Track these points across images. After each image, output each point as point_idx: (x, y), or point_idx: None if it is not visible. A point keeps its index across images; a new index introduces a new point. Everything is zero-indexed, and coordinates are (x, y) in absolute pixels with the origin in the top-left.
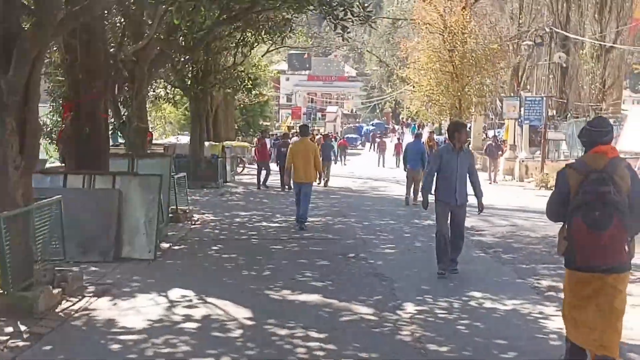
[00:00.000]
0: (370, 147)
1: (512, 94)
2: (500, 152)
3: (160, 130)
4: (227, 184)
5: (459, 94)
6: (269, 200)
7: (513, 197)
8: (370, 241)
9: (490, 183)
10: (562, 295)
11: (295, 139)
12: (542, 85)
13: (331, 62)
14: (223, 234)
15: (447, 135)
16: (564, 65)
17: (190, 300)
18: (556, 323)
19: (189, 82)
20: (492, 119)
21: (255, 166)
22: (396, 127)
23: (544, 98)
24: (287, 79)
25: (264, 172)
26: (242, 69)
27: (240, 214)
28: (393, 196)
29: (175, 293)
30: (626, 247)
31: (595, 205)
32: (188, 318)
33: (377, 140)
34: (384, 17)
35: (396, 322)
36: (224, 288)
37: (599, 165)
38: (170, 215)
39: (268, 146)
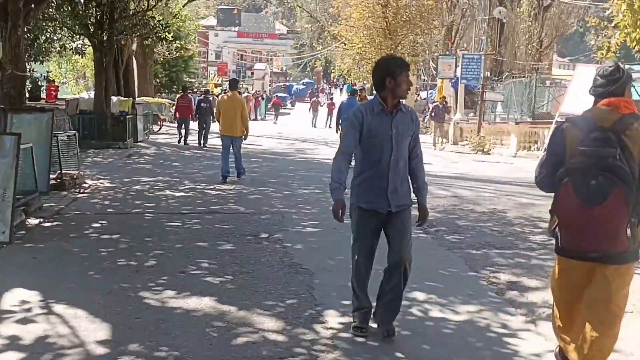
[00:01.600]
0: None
1: (446, 53)
2: (446, 115)
3: (73, 84)
4: (139, 144)
5: (392, 52)
6: (180, 162)
7: (449, 162)
8: (289, 216)
9: (434, 149)
10: (526, 298)
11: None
12: (477, 45)
13: (261, 19)
14: (113, 205)
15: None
16: (504, 20)
17: (29, 310)
18: (528, 344)
19: (92, 28)
20: (424, 80)
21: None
22: (325, 86)
23: (482, 56)
24: (216, 35)
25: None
26: (155, 15)
27: (143, 179)
28: (320, 160)
29: (13, 296)
30: (628, 231)
31: (592, 172)
32: (13, 342)
33: (313, 99)
34: None
35: (312, 345)
36: (85, 288)
37: (606, 122)
38: (53, 181)
39: (193, 103)
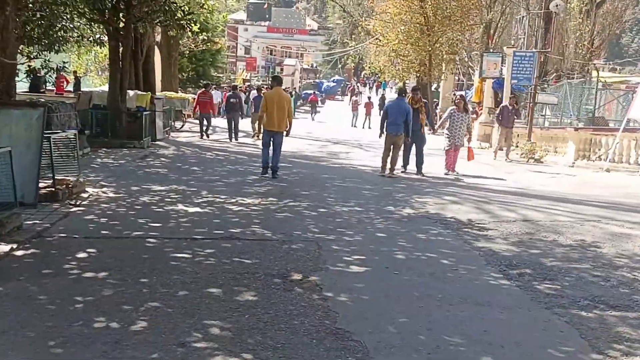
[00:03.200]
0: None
1: (490, 50)
2: (515, 119)
3: (94, 76)
4: (157, 142)
5: (430, 49)
6: (200, 166)
7: (500, 172)
8: (327, 246)
9: (507, 161)
10: None
11: (254, 92)
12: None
13: (292, 14)
14: (110, 225)
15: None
16: (561, 15)
17: None
18: None
19: (107, 14)
20: (459, 80)
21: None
22: (355, 84)
23: (536, 53)
24: (246, 30)
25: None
26: (178, 2)
27: (154, 188)
28: (357, 166)
29: None
30: None
31: None
32: None
33: (354, 98)
34: None
35: None
36: None
37: None
38: (44, 191)
39: (215, 99)
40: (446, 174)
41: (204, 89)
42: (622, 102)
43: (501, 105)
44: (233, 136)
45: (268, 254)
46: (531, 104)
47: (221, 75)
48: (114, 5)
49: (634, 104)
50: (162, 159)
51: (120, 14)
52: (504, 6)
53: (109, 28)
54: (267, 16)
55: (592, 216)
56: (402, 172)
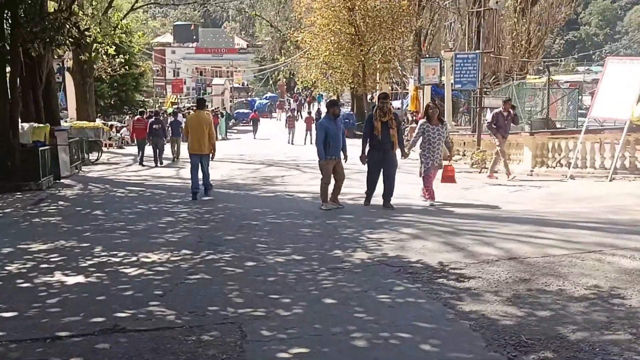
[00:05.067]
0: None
1: (426, 56)
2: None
3: None
4: (62, 181)
5: (362, 59)
6: (105, 208)
7: (460, 189)
8: (253, 331)
9: (509, 179)
10: None
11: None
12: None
13: (220, 34)
14: None
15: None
16: (502, 11)
17: None
18: None
19: None
20: (393, 89)
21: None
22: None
23: (479, 54)
24: (173, 52)
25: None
26: (74, 18)
27: (34, 247)
28: (294, 194)
29: None
30: None
31: None
32: None
33: (288, 114)
34: None
35: None
36: None
37: None
38: None
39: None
40: (431, 205)
41: (139, 116)
42: (568, 102)
43: (494, 111)
44: (158, 162)
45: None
46: (478, 109)
47: (146, 99)
48: None
49: (594, 102)
50: (61, 203)
51: (4, 33)
52: (432, 13)
53: None
54: (194, 37)
55: (589, 244)
56: (364, 203)
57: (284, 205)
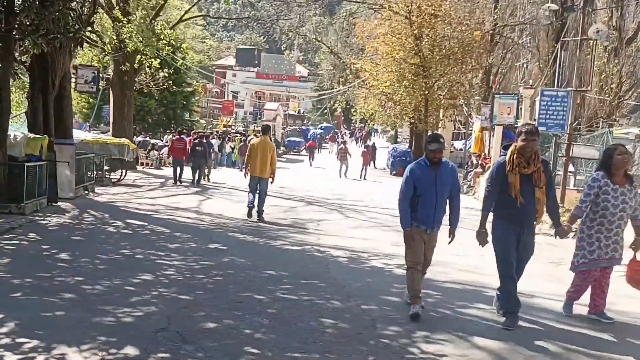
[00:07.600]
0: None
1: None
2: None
3: None
4: (61, 204)
5: (426, 92)
6: (77, 251)
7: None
8: None
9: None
10: None
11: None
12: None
13: (282, 60)
14: None
15: None
16: (606, 42)
17: None
18: None
19: None
20: (456, 128)
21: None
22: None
23: (571, 92)
24: (234, 75)
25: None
26: (85, 11)
27: None
28: (326, 248)
29: None
30: None
31: None
32: None
33: (340, 146)
34: None
35: None
36: None
37: None
38: None
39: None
40: (568, 313)
41: (178, 136)
42: None
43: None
44: (196, 181)
45: None
46: (566, 159)
47: (195, 119)
48: None
49: None
50: (30, 236)
51: None
52: (505, 50)
53: None
54: (256, 62)
55: None
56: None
57: (308, 269)
